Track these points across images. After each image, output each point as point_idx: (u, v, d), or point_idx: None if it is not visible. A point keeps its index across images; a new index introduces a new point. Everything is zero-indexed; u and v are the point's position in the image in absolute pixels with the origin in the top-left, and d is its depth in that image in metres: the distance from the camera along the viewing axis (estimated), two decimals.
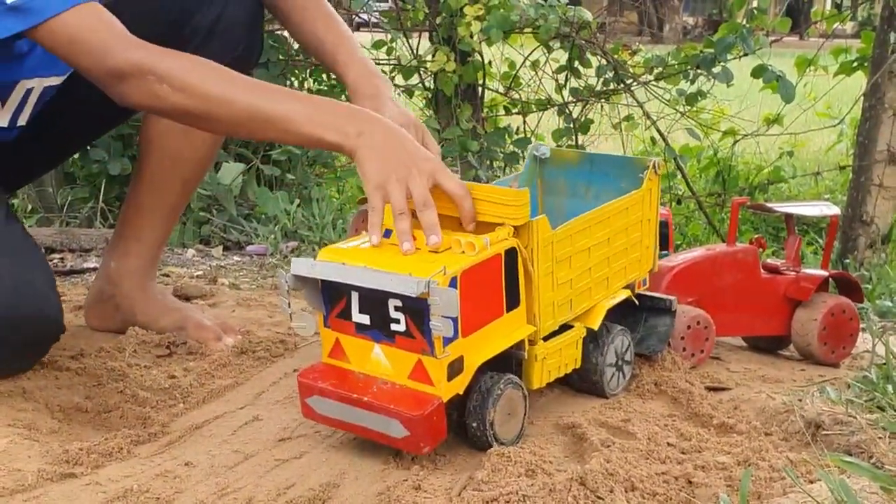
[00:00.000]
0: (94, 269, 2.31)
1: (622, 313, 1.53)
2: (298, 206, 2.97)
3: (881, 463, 1.19)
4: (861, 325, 1.84)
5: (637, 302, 1.54)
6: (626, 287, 1.51)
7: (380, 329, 1.22)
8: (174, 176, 1.74)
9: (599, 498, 1.12)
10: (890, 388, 1.43)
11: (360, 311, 1.22)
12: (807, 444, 1.31)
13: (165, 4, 1.62)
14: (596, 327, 1.43)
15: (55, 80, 1.60)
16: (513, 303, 1.28)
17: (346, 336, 1.26)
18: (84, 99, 1.55)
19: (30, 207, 3.02)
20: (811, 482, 1.17)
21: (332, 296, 1.25)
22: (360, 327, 1.24)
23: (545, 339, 1.35)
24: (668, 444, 1.30)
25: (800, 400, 1.43)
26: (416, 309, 1.16)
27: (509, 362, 1.31)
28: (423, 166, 1.27)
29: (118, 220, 1.83)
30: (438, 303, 1.12)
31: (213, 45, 1.63)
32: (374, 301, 1.20)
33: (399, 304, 1.18)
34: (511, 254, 1.26)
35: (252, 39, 1.70)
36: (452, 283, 1.16)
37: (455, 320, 1.17)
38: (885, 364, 1.52)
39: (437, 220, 1.24)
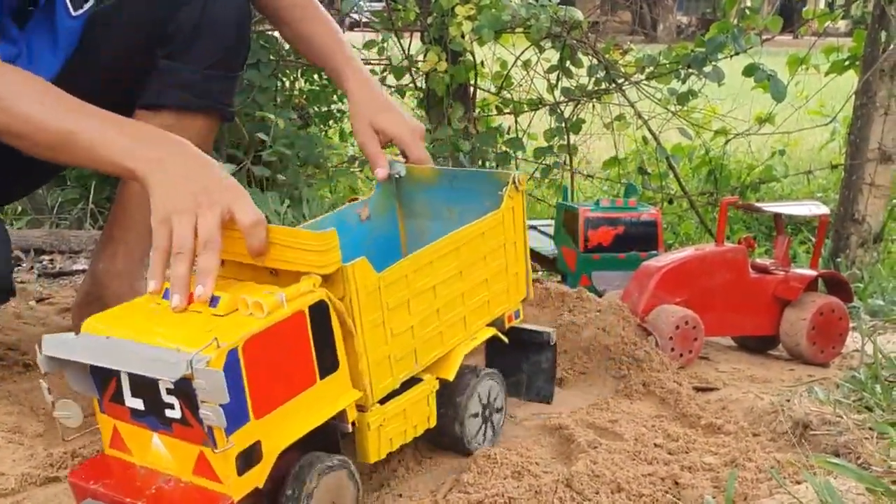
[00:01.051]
0: (84, 270, 2.30)
1: (499, 351, 1.39)
2: (289, 206, 2.97)
3: (868, 464, 1.18)
4: (851, 325, 1.84)
5: (506, 340, 1.34)
6: (493, 323, 1.31)
7: (156, 415, 0.99)
8: None
9: (586, 500, 1.12)
10: (878, 387, 1.43)
11: (133, 395, 1.00)
12: (794, 445, 1.31)
13: (163, 4, 1.61)
14: (451, 378, 1.23)
15: None
16: (329, 367, 1.06)
17: (123, 423, 1.03)
18: None
19: (20, 209, 3.01)
20: (798, 483, 1.16)
21: (101, 377, 1.02)
22: (135, 413, 1.01)
23: (382, 401, 1.13)
24: (656, 444, 1.30)
25: (788, 400, 1.42)
26: (188, 393, 0.93)
27: (334, 435, 1.09)
28: (217, 197, 1.08)
29: (106, 221, 1.82)
30: (204, 387, 0.90)
31: (198, 44, 1.61)
32: (145, 382, 0.98)
33: (170, 386, 0.95)
34: (319, 308, 1.04)
35: (238, 39, 1.68)
36: (232, 358, 0.94)
37: (238, 405, 0.95)
38: (873, 363, 1.52)
39: (214, 265, 1.05)
